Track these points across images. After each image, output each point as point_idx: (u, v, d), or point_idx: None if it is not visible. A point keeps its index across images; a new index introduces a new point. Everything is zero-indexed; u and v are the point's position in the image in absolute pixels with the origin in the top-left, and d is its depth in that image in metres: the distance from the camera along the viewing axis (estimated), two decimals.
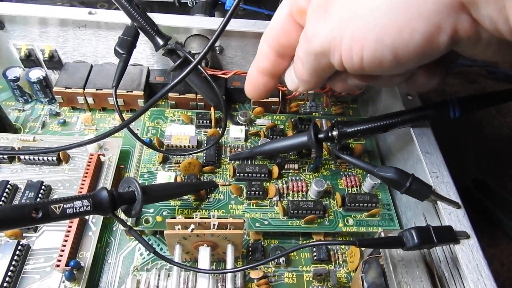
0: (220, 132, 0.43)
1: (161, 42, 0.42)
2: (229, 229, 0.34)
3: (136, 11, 0.40)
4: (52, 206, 0.27)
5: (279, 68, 0.30)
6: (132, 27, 0.42)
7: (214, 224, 0.33)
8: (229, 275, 0.34)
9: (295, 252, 0.39)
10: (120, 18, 0.44)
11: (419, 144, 0.36)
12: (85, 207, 0.28)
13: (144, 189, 0.32)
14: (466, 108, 0.34)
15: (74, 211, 0.28)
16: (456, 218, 0.31)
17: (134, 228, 0.36)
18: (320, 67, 0.26)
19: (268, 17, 0.65)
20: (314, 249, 0.39)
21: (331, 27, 0.22)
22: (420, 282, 0.31)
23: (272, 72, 0.31)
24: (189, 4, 0.71)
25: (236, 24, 0.46)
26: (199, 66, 0.41)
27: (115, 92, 0.38)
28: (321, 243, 0.38)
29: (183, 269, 0.34)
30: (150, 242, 0.39)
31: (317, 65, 0.26)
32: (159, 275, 0.36)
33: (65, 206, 0.27)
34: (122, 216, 0.33)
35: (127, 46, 0.40)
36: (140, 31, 0.42)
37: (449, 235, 0.29)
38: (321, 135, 0.37)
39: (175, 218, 0.37)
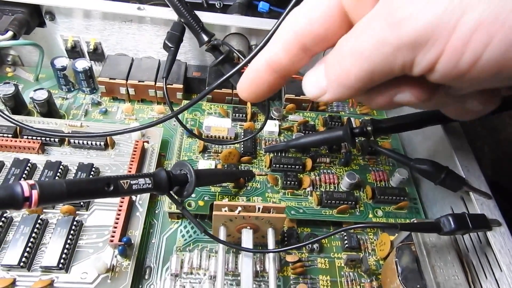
0: (256, 125, 0.46)
1: (205, 38, 0.44)
2: (272, 213, 0.36)
3: (185, 8, 0.43)
4: (121, 181, 0.29)
5: (296, 66, 0.23)
6: (179, 23, 0.44)
7: (259, 208, 0.36)
8: (270, 256, 0.36)
9: (327, 239, 0.42)
10: (166, 14, 0.46)
11: (450, 140, 0.38)
12: (147, 184, 0.30)
13: (196, 173, 0.34)
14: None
15: (139, 187, 0.30)
16: (487, 208, 0.33)
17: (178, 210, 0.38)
18: (386, 67, 0.19)
19: None
20: (345, 237, 0.41)
21: (445, 6, 0.16)
22: (452, 267, 0.33)
23: (286, 70, 0.24)
24: (216, 6, 0.73)
25: (272, 24, 0.48)
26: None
27: (165, 82, 0.40)
28: (363, 226, 0.40)
29: (226, 250, 0.36)
30: (191, 226, 0.41)
31: (384, 65, 0.19)
32: (201, 256, 0.38)
33: (131, 182, 0.30)
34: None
35: (175, 40, 0.43)
36: (186, 27, 0.45)
37: (482, 222, 0.31)
38: (356, 130, 0.40)
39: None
